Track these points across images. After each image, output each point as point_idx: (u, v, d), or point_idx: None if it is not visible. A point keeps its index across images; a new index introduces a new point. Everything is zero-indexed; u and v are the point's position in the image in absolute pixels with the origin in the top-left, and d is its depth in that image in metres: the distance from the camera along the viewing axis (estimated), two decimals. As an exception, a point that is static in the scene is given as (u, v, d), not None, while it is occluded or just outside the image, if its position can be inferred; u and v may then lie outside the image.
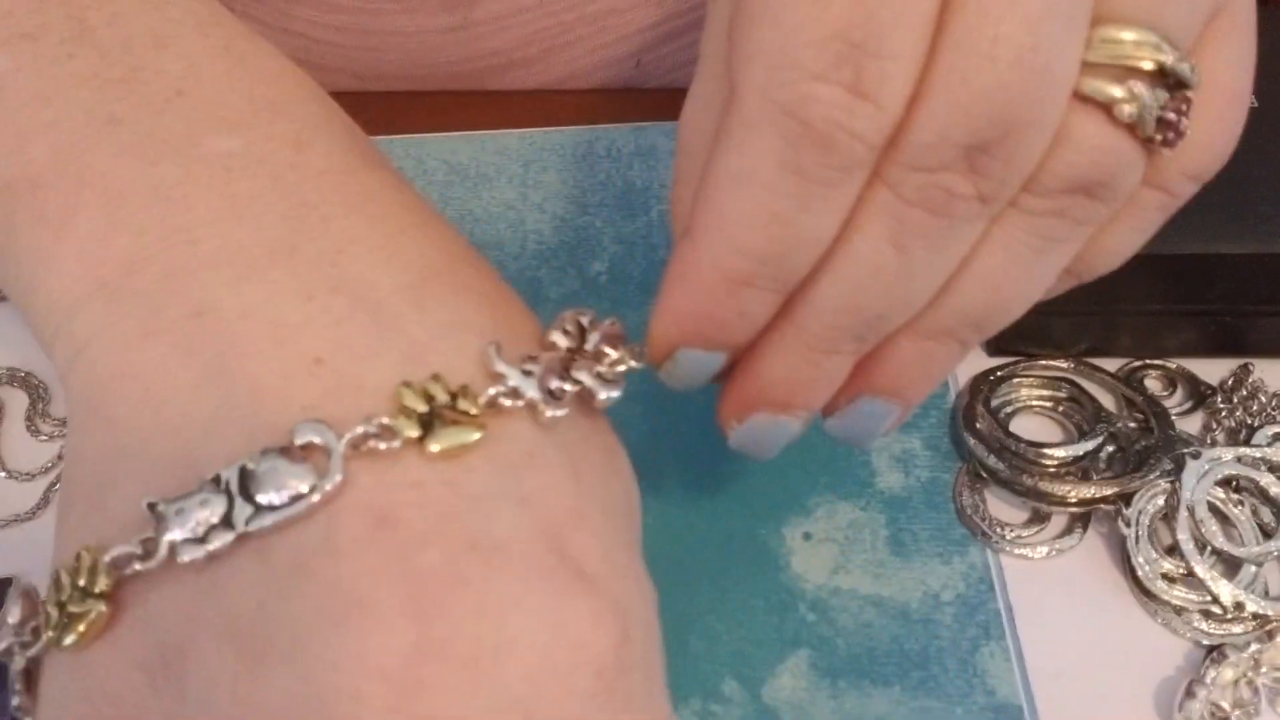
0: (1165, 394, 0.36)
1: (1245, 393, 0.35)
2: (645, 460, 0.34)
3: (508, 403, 0.21)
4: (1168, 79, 0.19)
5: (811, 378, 0.23)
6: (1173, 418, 0.34)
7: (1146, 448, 0.34)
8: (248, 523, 0.19)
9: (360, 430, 0.20)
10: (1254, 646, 0.30)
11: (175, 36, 0.24)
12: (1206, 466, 0.33)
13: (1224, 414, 0.35)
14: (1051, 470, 0.33)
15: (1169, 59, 0.19)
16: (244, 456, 0.19)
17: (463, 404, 0.21)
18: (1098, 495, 0.33)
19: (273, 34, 0.40)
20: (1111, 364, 0.36)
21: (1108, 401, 0.35)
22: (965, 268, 0.22)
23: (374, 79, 0.43)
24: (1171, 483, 0.33)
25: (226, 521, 0.19)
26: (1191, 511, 0.32)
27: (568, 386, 0.22)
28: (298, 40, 0.41)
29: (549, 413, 0.21)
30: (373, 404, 0.20)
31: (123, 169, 0.22)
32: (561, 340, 0.23)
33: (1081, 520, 0.33)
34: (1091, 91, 0.19)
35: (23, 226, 0.22)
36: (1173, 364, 0.36)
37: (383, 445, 0.20)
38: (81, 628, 0.19)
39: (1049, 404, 0.36)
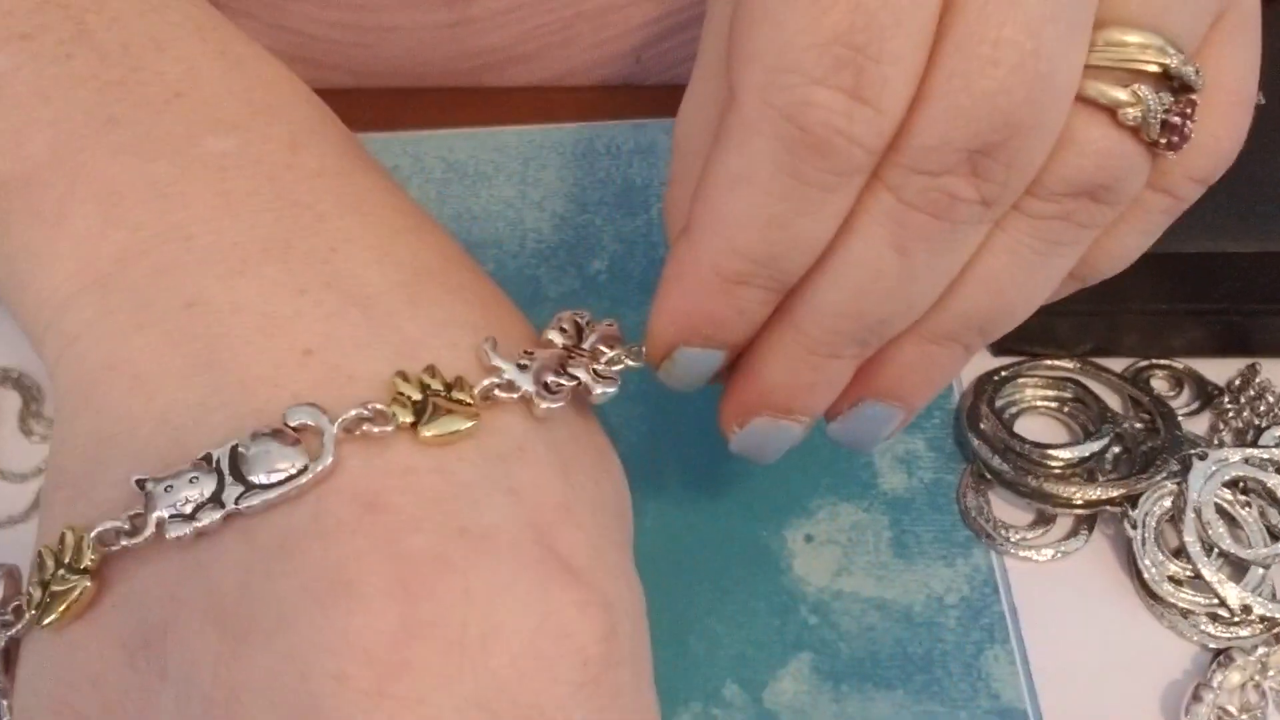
0: (1172, 394, 0.36)
1: (1253, 393, 0.35)
2: (645, 461, 0.34)
3: (502, 395, 0.21)
4: (1172, 82, 0.19)
5: (813, 382, 0.23)
6: (1179, 418, 0.34)
7: (1153, 449, 0.33)
8: (238, 501, 0.19)
9: (353, 414, 0.20)
10: (1261, 650, 0.30)
11: (174, 40, 0.24)
12: (1213, 468, 0.32)
13: (1231, 415, 0.34)
14: (1056, 471, 0.33)
15: (1173, 62, 0.19)
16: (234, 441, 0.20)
17: (457, 394, 0.21)
18: (1103, 497, 0.32)
19: (269, 30, 0.40)
20: (1117, 364, 0.36)
21: (1113, 402, 0.35)
22: (968, 271, 0.21)
23: (371, 75, 0.43)
24: (1178, 484, 0.32)
25: (216, 500, 0.19)
26: (1198, 513, 0.32)
27: (564, 381, 0.22)
28: (294, 37, 0.40)
29: (544, 405, 0.22)
30: (364, 394, 0.20)
31: (120, 167, 0.22)
32: (558, 339, 0.24)
33: (1087, 522, 0.33)
34: (1095, 94, 0.19)
35: (17, 223, 0.23)
36: (1179, 364, 0.36)
37: (375, 429, 0.20)
38: (64, 606, 0.19)
39: (1054, 404, 0.35)
